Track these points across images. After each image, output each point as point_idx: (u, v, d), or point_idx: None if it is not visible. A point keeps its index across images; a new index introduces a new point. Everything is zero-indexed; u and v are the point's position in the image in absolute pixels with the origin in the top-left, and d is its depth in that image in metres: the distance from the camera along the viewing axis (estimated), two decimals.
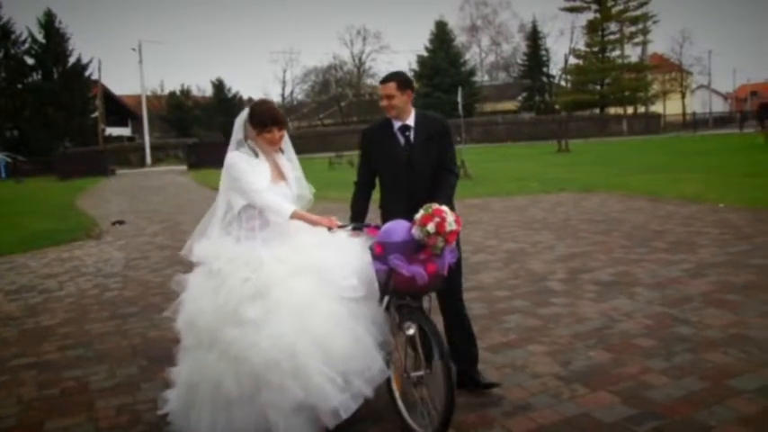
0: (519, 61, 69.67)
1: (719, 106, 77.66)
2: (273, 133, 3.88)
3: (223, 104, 63.38)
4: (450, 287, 4.09)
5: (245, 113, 3.97)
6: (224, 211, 3.92)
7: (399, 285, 3.60)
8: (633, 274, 7.20)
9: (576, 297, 6.42)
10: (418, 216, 3.52)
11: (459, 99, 23.71)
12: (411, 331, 3.64)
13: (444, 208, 3.53)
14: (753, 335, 5.05)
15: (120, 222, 14.64)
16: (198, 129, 60.53)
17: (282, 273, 3.65)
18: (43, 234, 13.12)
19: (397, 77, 4.24)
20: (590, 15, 61.72)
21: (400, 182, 4.21)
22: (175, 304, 3.89)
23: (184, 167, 39.92)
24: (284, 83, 71.09)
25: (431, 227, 3.45)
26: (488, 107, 64.28)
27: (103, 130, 52.71)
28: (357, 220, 4.23)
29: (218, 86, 64.85)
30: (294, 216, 3.77)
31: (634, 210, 12.08)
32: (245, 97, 66.88)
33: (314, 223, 3.82)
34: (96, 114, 52.16)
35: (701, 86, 75.92)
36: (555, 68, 69.49)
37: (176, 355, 3.94)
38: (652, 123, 57.09)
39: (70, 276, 8.97)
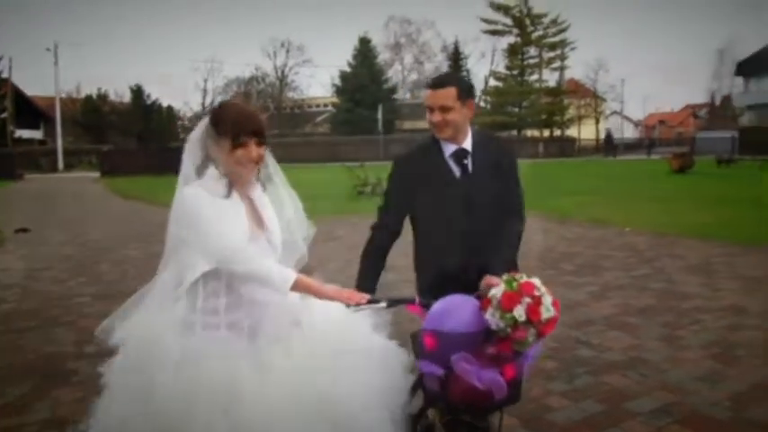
0: None
1: (630, 132, 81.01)
2: (250, 149, 2.51)
3: (141, 111, 61.80)
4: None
5: (204, 125, 2.57)
6: (175, 282, 2.53)
7: (459, 397, 2.31)
8: None
9: None
10: (497, 293, 2.29)
11: (380, 116, 23.91)
12: None
13: (536, 282, 2.33)
14: (649, 357, 5.25)
15: (24, 230, 13.97)
16: (114, 135, 58.73)
17: (274, 410, 2.31)
18: None
19: (459, 82, 2.97)
20: (511, 39, 63.33)
21: (451, 228, 2.99)
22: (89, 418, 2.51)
23: (98, 174, 38.65)
24: (205, 92, 70.23)
25: (519, 312, 2.22)
26: (408, 125, 64.88)
27: (12, 132, 50.49)
28: (369, 279, 3.01)
29: (137, 92, 63.09)
30: (297, 287, 2.49)
31: (545, 231, 12.34)
32: (165, 104, 65.49)
33: (327, 297, 2.52)
34: (5, 115, 49.94)
35: (613, 113, 78.93)
36: (475, 89, 70.86)
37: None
38: (567, 147, 58.86)
39: None
